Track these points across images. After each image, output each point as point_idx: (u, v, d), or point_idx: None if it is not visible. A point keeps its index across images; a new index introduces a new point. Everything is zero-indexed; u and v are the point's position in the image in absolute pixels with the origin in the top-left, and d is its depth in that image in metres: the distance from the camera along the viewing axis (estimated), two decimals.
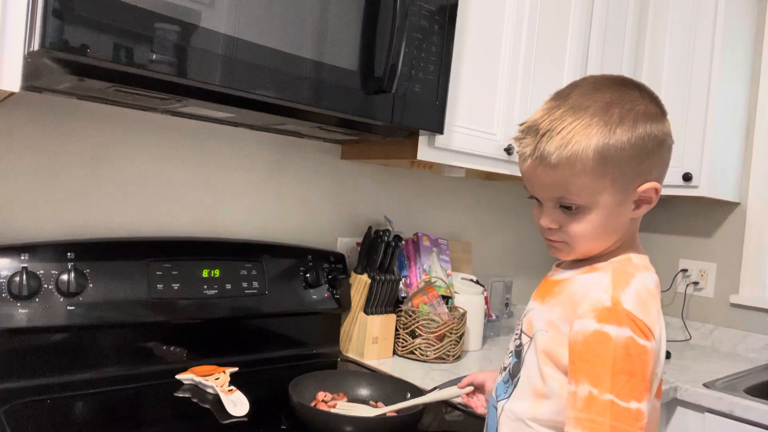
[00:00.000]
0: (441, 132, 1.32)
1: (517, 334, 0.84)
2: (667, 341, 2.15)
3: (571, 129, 0.70)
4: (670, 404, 1.59)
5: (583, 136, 0.70)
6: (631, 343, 0.65)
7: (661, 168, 0.76)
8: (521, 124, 0.77)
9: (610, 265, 0.75)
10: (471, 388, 1.03)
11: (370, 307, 1.48)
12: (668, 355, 1.85)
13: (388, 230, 1.51)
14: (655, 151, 0.73)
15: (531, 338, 0.79)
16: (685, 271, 2.19)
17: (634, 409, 0.64)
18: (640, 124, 0.71)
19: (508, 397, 0.80)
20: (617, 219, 0.74)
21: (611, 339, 0.65)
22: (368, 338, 1.46)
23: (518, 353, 0.81)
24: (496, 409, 0.82)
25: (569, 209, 0.74)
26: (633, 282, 0.71)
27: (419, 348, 1.51)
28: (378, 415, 1.04)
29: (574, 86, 0.76)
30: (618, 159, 0.70)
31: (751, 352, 2.01)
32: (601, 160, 0.70)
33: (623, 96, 0.73)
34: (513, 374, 0.81)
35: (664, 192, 2.15)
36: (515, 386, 0.79)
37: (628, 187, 0.73)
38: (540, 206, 0.78)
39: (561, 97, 0.75)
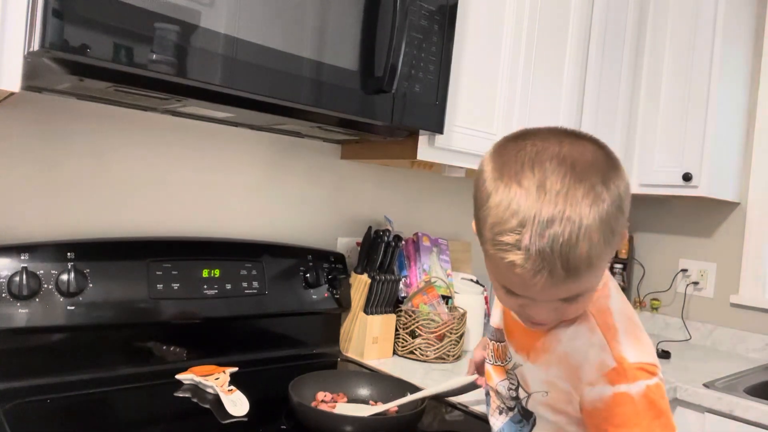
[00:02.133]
0: (441, 132, 1.32)
1: (513, 385, 0.81)
2: (667, 341, 2.16)
3: (571, 228, 0.57)
4: (671, 404, 1.59)
5: (590, 229, 0.58)
6: (648, 390, 0.66)
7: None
8: (521, 230, 0.59)
9: (615, 314, 0.71)
10: (477, 376, 1.08)
11: (370, 307, 1.48)
12: (668, 355, 1.85)
13: (388, 230, 1.51)
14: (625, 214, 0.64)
15: (529, 394, 0.78)
16: (685, 271, 2.19)
17: None
18: (621, 188, 0.62)
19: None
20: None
21: (632, 397, 0.66)
22: (368, 338, 1.46)
23: (521, 405, 0.81)
24: None
25: (571, 300, 0.64)
26: (616, 322, 0.69)
27: (419, 348, 1.51)
28: (379, 412, 1.05)
29: (538, 163, 0.61)
30: (618, 233, 0.62)
31: (751, 352, 2.01)
32: (610, 245, 0.61)
33: (598, 166, 0.61)
34: (526, 416, 0.80)
35: (665, 192, 2.16)
36: (533, 426, 0.79)
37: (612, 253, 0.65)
38: (527, 300, 0.66)
39: (537, 183, 0.59)
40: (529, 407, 0.79)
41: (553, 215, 0.57)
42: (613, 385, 0.66)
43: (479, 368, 1.11)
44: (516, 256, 0.59)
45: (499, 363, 0.86)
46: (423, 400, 1.07)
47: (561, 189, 0.58)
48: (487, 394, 0.93)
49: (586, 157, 0.61)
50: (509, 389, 0.82)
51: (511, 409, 0.83)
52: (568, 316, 0.69)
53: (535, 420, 0.78)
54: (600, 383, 0.67)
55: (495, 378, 0.86)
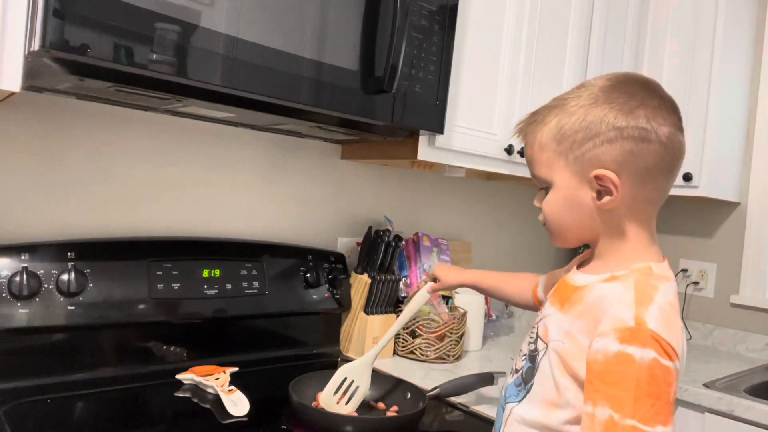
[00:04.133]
0: (441, 132, 1.32)
1: (532, 338, 0.82)
2: None
3: (546, 108, 0.78)
4: None
5: (550, 115, 0.76)
6: (656, 365, 0.63)
7: (622, 162, 0.71)
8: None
9: (631, 274, 0.72)
10: (432, 284, 1.14)
11: (370, 307, 1.48)
12: None
13: (388, 230, 1.51)
14: (611, 142, 0.71)
15: (547, 345, 0.77)
16: (685, 271, 2.20)
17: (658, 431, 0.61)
18: (599, 109, 0.72)
19: (519, 401, 0.80)
20: (578, 204, 0.75)
21: (635, 361, 0.63)
22: (368, 338, 1.46)
23: (533, 358, 0.80)
24: (504, 410, 0.82)
25: (545, 191, 0.78)
26: (657, 297, 0.68)
27: (419, 348, 1.51)
28: (376, 412, 1.05)
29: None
30: (569, 139, 0.73)
31: (751, 352, 2.01)
32: (557, 138, 0.74)
33: (599, 81, 0.76)
34: (526, 380, 0.80)
35: None
36: (528, 392, 0.79)
37: (583, 171, 0.73)
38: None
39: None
40: (541, 365, 0.77)
41: (547, 104, 0.79)
42: (622, 344, 0.64)
43: (434, 280, 1.17)
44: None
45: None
46: (424, 398, 1.07)
47: (570, 95, 0.77)
48: None
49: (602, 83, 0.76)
50: (529, 342, 0.83)
51: (518, 371, 0.83)
52: (545, 217, 0.79)
53: (531, 387, 0.78)
54: (610, 336, 0.65)
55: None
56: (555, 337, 0.76)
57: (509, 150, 1.53)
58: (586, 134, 0.72)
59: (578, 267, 0.82)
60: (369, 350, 1.44)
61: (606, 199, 0.72)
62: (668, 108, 0.75)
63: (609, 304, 0.69)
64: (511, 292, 1.12)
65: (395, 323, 1.15)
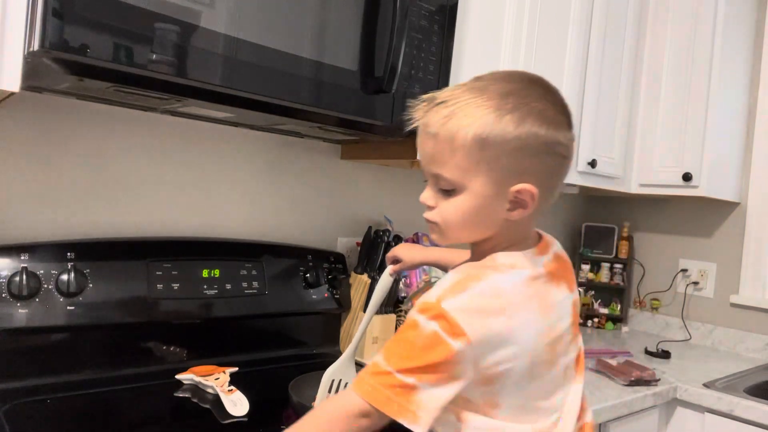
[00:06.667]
0: None
1: None
2: (667, 341, 2.16)
3: (463, 105, 0.70)
4: (670, 404, 1.59)
5: (469, 115, 0.70)
6: (434, 337, 0.67)
7: (543, 176, 0.72)
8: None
9: (468, 266, 0.75)
10: (393, 267, 1.12)
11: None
12: (668, 355, 1.85)
13: (388, 230, 1.51)
14: (539, 155, 0.71)
15: None
16: (685, 271, 2.19)
17: (408, 382, 0.67)
18: (530, 121, 0.69)
19: None
20: (488, 213, 0.73)
21: (418, 326, 0.69)
22: (368, 338, 1.46)
23: None
24: None
25: (446, 192, 0.74)
26: (474, 285, 0.71)
27: None
28: None
29: (492, 73, 0.76)
30: (497, 148, 0.69)
31: (751, 352, 2.01)
32: (480, 143, 0.69)
33: (527, 90, 0.72)
34: None
35: (665, 192, 2.16)
36: None
37: (504, 182, 0.71)
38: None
39: (474, 79, 0.75)
40: None
41: (454, 90, 0.74)
42: (417, 312, 0.70)
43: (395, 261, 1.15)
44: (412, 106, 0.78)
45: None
46: None
47: (479, 86, 0.73)
48: None
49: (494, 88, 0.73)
50: None
51: None
52: (443, 218, 0.75)
53: None
54: (415, 308, 0.71)
55: None
56: None
57: None
58: (515, 145, 0.69)
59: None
60: (369, 350, 1.45)
61: (518, 211, 0.73)
62: (566, 113, 0.75)
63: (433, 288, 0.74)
64: None
65: (366, 314, 1.13)
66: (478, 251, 0.79)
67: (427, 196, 0.76)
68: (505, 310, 0.70)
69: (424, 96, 0.75)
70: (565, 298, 0.79)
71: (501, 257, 0.75)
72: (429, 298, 0.71)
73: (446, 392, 0.69)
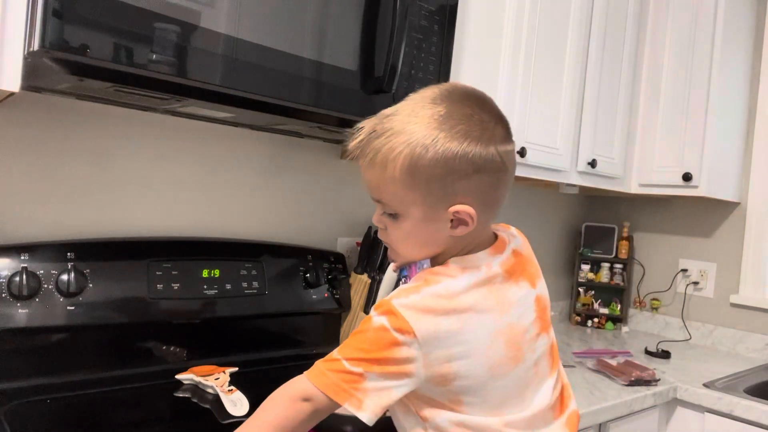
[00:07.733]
0: None
1: None
2: (667, 341, 2.16)
3: (391, 135, 0.71)
4: (670, 404, 1.59)
5: (399, 145, 0.70)
6: (382, 330, 0.70)
7: (479, 193, 0.73)
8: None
9: (425, 272, 0.77)
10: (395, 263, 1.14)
11: (370, 307, 1.48)
12: (668, 355, 1.85)
13: None
14: (469, 176, 0.71)
15: None
16: (685, 271, 2.20)
17: (355, 370, 0.70)
18: (456, 144, 0.70)
19: None
20: (432, 234, 0.75)
21: (370, 321, 0.72)
22: None
23: None
24: None
25: (392, 216, 0.76)
26: (424, 289, 0.72)
27: None
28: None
29: (421, 93, 0.76)
30: (426, 175, 0.70)
31: (751, 352, 2.01)
32: (410, 173, 0.70)
33: (455, 110, 0.72)
34: None
35: (665, 192, 2.16)
36: None
37: (439, 206, 0.72)
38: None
39: (406, 100, 0.76)
40: None
41: (391, 115, 0.75)
42: (373, 310, 0.73)
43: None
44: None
45: None
46: None
47: (414, 108, 0.74)
48: None
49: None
50: None
51: None
52: (392, 241, 0.79)
53: None
54: (375, 310, 0.74)
55: None
56: None
57: None
58: (444, 170, 0.70)
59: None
60: None
61: (460, 228, 0.74)
62: (503, 124, 0.76)
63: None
64: None
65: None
66: (435, 262, 0.80)
67: (377, 219, 0.79)
68: (455, 310, 0.72)
69: (359, 124, 0.76)
70: (527, 295, 0.79)
71: (454, 262, 0.76)
72: (386, 297, 0.74)
73: (394, 386, 0.71)
